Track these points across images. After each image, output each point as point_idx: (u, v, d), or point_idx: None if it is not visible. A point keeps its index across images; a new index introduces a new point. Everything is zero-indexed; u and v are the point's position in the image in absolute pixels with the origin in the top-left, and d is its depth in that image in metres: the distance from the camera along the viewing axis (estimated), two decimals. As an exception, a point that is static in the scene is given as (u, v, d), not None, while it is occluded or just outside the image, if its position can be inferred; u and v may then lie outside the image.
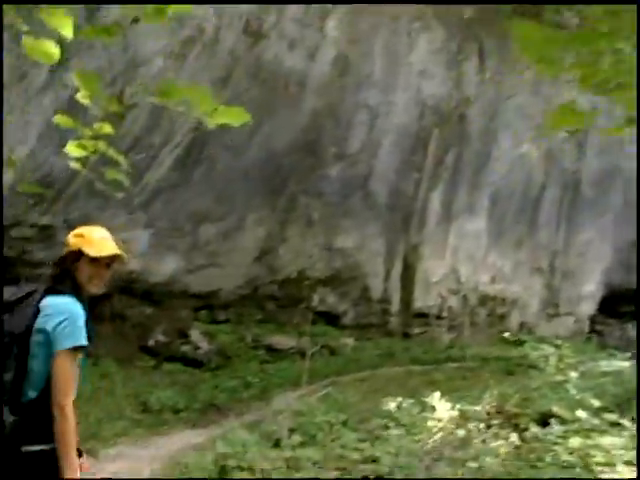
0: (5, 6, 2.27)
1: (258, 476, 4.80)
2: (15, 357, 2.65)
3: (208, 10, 9.83)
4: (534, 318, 18.56)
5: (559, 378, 9.35)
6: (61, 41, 2.09)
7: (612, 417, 6.90)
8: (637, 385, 5.09)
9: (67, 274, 2.91)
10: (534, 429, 6.66)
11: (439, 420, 7.11)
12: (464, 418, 7.34)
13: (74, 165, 2.74)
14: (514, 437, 6.46)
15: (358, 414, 7.24)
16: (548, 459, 5.70)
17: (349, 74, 12.95)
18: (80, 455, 2.81)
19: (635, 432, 6.17)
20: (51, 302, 2.78)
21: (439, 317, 16.75)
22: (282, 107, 12.00)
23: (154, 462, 6.57)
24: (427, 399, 7.82)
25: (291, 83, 11.99)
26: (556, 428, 6.61)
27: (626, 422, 6.68)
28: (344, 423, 6.50)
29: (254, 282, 13.95)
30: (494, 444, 6.17)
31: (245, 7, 10.49)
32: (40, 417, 2.67)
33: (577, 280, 18.96)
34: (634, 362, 11.87)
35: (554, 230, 18.06)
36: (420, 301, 16.28)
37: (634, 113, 2.00)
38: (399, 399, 7.68)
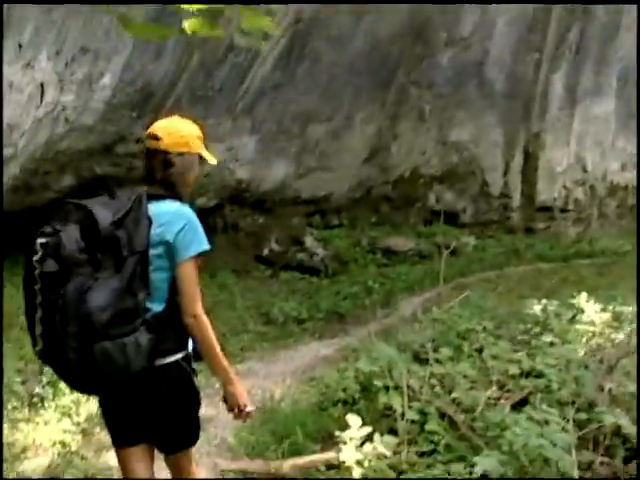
0: None
1: (406, 397, 4.29)
2: (140, 276, 2.37)
3: None
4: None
5: None
6: None
7: None
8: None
9: (170, 178, 2.63)
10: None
11: (592, 324, 6.36)
12: (619, 321, 6.56)
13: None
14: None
15: (499, 320, 6.56)
16: None
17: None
18: None
19: None
20: (162, 210, 2.52)
21: (564, 210, 15.63)
22: (387, -11, 10.94)
23: (287, 378, 6.22)
24: (574, 300, 7.04)
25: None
26: None
27: None
28: (488, 331, 5.85)
29: (366, 183, 13.35)
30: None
31: None
32: (168, 329, 2.54)
33: None
34: None
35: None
36: (543, 194, 15.19)
37: None
38: (543, 301, 6.94)
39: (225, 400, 2.67)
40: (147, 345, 2.38)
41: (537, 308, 6.80)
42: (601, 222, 16.17)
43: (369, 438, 3.73)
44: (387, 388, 4.38)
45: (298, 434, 4.31)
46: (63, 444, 4.51)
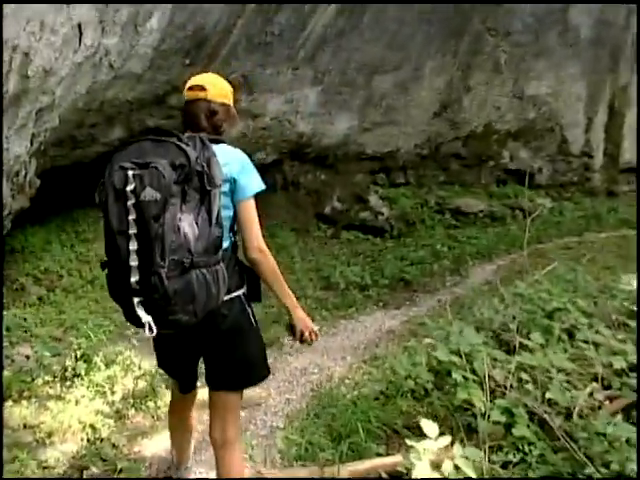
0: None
1: (487, 396, 3.59)
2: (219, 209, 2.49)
3: None
4: None
5: None
6: None
7: None
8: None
9: (215, 124, 2.80)
10: None
11: None
12: None
13: None
14: None
15: (591, 296, 5.71)
16: None
17: None
18: None
19: None
20: (222, 151, 2.65)
21: (651, 171, 14.37)
22: None
23: (347, 355, 5.59)
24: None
25: None
26: None
27: None
28: (580, 310, 5.03)
29: (435, 139, 12.46)
30: None
31: None
32: (232, 266, 2.69)
33: None
34: None
35: None
36: (629, 153, 13.95)
37: None
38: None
39: (291, 327, 2.77)
40: (227, 276, 2.49)
41: (633, 282, 5.94)
42: (691, 184, 14.85)
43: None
44: (465, 378, 3.68)
45: (359, 431, 3.67)
46: (94, 428, 4.00)
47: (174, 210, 2.27)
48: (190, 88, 2.79)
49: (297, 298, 6.98)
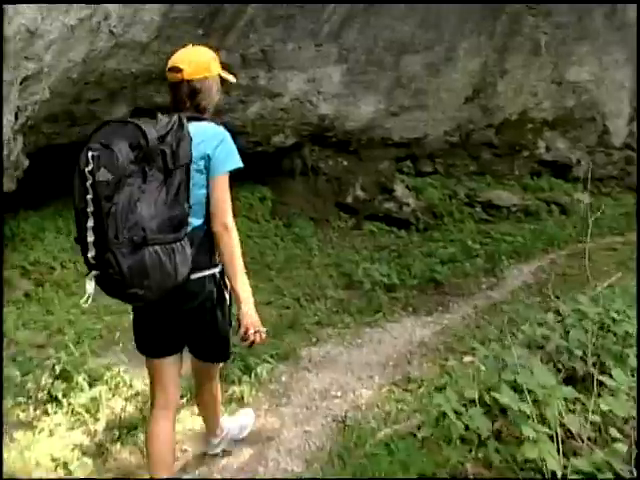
0: None
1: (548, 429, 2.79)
2: (185, 187, 2.53)
3: None
4: None
5: None
6: None
7: None
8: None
9: (199, 104, 2.81)
10: None
11: None
12: None
13: None
14: None
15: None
16: None
17: None
18: None
19: None
20: (200, 128, 2.69)
21: (697, 166, 13.49)
22: None
23: (375, 374, 4.80)
24: None
25: None
26: None
27: None
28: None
29: (466, 127, 11.65)
30: None
31: None
32: (205, 244, 2.73)
33: None
34: None
35: None
36: (674, 146, 13.05)
37: None
38: None
39: (238, 321, 2.73)
40: (190, 255, 2.53)
41: None
42: None
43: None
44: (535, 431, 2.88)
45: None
46: (67, 468, 3.25)
47: (130, 190, 2.33)
48: (169, 69, 2.78)
49: (316, 299, 6.11)
